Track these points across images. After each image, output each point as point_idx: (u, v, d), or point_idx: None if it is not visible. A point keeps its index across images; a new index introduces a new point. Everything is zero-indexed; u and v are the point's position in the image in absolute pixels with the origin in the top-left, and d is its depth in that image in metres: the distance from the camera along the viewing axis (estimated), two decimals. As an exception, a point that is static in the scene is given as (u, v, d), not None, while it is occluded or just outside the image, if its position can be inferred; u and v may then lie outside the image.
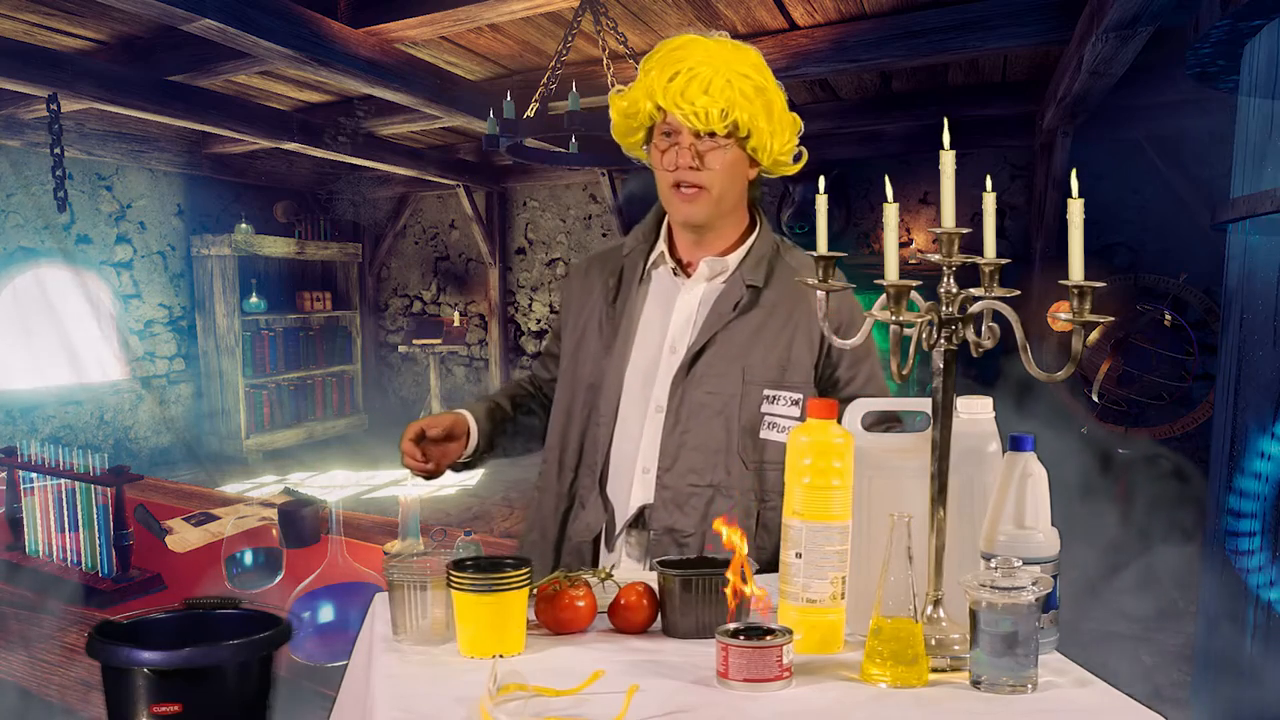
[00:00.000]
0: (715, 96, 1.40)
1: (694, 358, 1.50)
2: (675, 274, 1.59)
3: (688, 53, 1.43)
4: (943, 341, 1.05)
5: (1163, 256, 5.58)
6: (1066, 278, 0.98)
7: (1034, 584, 0.96)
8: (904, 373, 1.07)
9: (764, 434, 1.49)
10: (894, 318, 1.04)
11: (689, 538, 1.48)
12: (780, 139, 1.49)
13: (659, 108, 1.45)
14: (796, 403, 1.48)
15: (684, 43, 1.45)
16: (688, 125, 1.43)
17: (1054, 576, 1.04)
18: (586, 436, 1.57)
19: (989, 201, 1.05)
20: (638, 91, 1.47)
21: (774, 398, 1.49)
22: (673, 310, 1.56)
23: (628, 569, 1.51)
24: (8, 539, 2.38)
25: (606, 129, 1.64)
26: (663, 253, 1.59)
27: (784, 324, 1.51)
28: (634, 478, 1.52)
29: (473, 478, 6.58)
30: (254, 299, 7.24)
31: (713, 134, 1.44)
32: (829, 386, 1.54)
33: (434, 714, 0.94)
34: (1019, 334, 1.04)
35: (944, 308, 1.05)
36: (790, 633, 0.99)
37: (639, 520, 1.52)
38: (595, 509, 1.54)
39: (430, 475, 1.56)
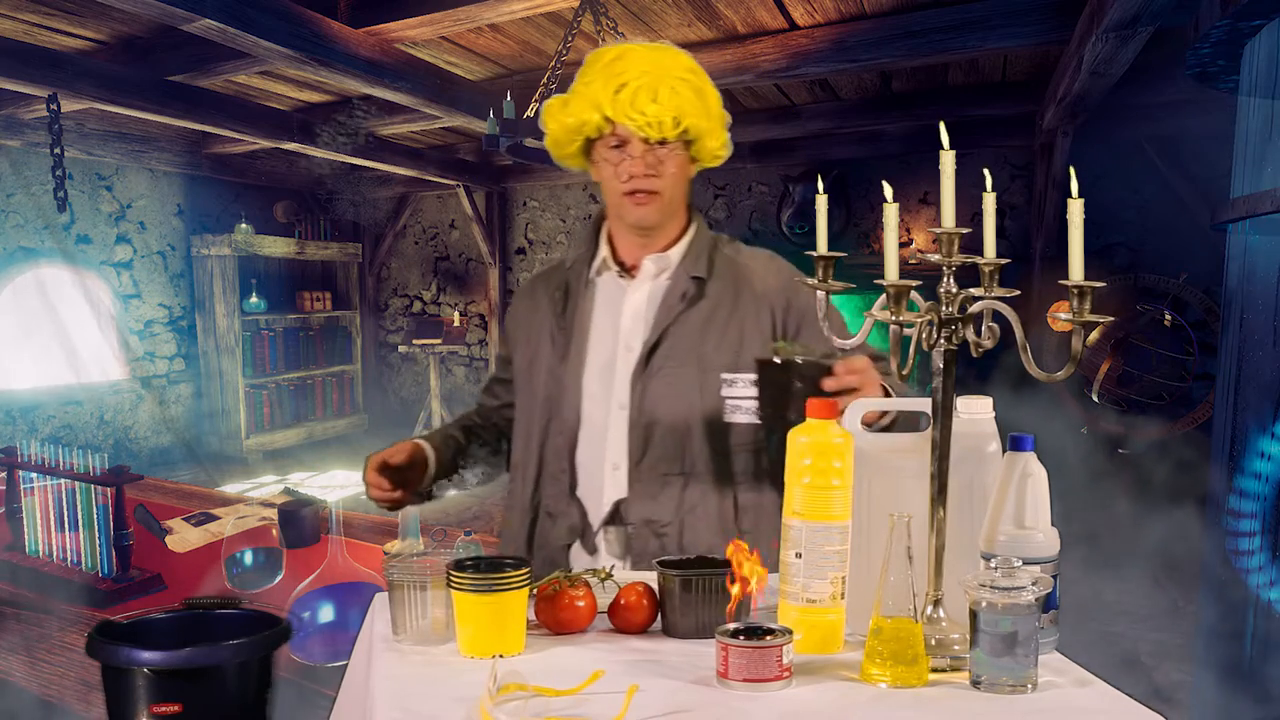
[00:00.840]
0: (665, 104, 1.44)
1: (650, 351, 1.53)
2: (620, 276, 1.62)
3: (628, 63, 1.46)
4: (943, 341, 1.05)
5: (1163, 256, 5.58)
6: (1066, 278, 0.98)
7: (1034, 584, 0.96)
8: (904, 373, 1.07)
9: (727, 417, 1.52)
10: (894, 318, 1.04)
11: (667, 527, 1.50)
12: (717, 137, 1.54)
13: (607, 119, 1.47)
14: (754, 383, 1.50)
15: (621, 53, 1.49)
16: (640, 135, 1.46)
17: (1054, 576, 1.04)
18: (547, 447, 1.59)
19: (989, 201, 1.05)
20: (581, 105, 1.49)
21: (732, 381, 1.52)
22: (622, 311, 1.59)
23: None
24: (8, 539, 2.38)
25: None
26: (605, 258, 1.63)
27: (731, 312, 1.56)
28: (604, 477, 1.55)
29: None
30: (254, 299, 7.24)
31: (663, 141, 1.48)
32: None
33: (434, 714, 0.94)
34: (1019, 334, 1.04)
35: (944, 308, 1.05)
36: (790, 633, 0.99)
37: (615, 517, 1.54)
38: (570, 515, 1.56)
39: (396, 505, 1.57)
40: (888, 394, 1.34)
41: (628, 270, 1.62)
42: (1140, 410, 5.49)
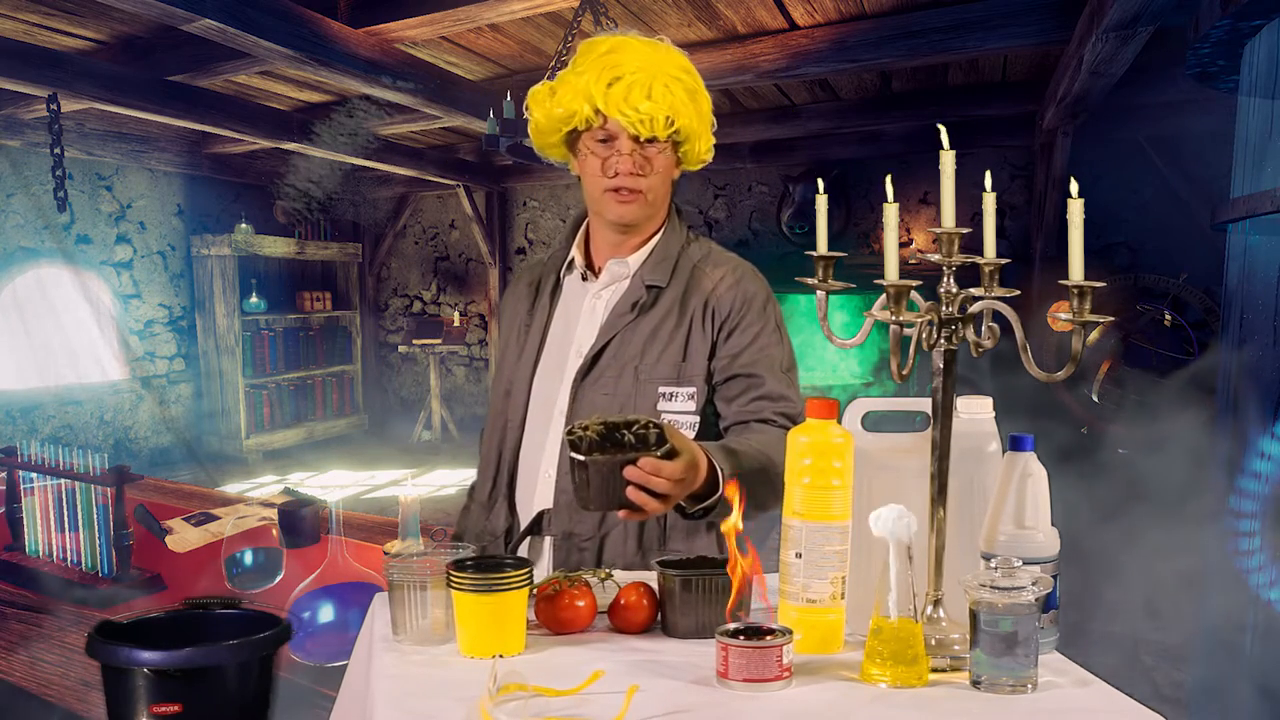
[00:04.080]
0: (658, 102, 1.40)
1: (592, 360, 1.50)
2: (584, 278, 1.59)
3: (623, 57, 1.42)
4: (943, 341, 1.05)
5: (1163, 256, 5.58)
6: (1066, 278, 0.98)
7: (1034, 584, 0.96)
8: (904, 373, 1.07)
9: None
10: (894, 318, 1.04)
11: (588, 542, 1.47)
12: (705, 140, 1.51)
13: (598, 112, 1.43)
14: (692, 397, 1.48)
15: (616, 45, 1.45)
16: (631, 131, 1.43)
17: (1054, 576, 1.04)
18: (505, 443, 1.57)
19: (989, 201, 1.05)
20: (570, 94, 1.45)
21: (671, 395, 1.48)
22: (580, 314, 1.57)
23: None
24: (8, 539, 2.38)
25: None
26: (573, 258, 1.60)
27: (680, 319, 1.50)
28: (538, 483, 1.52)
29: (469, 478, 6.58)
30: (254, 299, 7.24)
31: (653, 139, 1.44)
32: (726, 359, 1.50)
33: (434, 714, 0.94)
34: (1019, 334, 1.04)
35: (944, 308, 1.05)
36: (790, 633, 0.99)
37: (537, 526, 1.51)
38: (500, 513, 1.55)
39: None
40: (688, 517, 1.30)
41: (594, 272, 1.59)
42: (1140, 410, 5.48)
